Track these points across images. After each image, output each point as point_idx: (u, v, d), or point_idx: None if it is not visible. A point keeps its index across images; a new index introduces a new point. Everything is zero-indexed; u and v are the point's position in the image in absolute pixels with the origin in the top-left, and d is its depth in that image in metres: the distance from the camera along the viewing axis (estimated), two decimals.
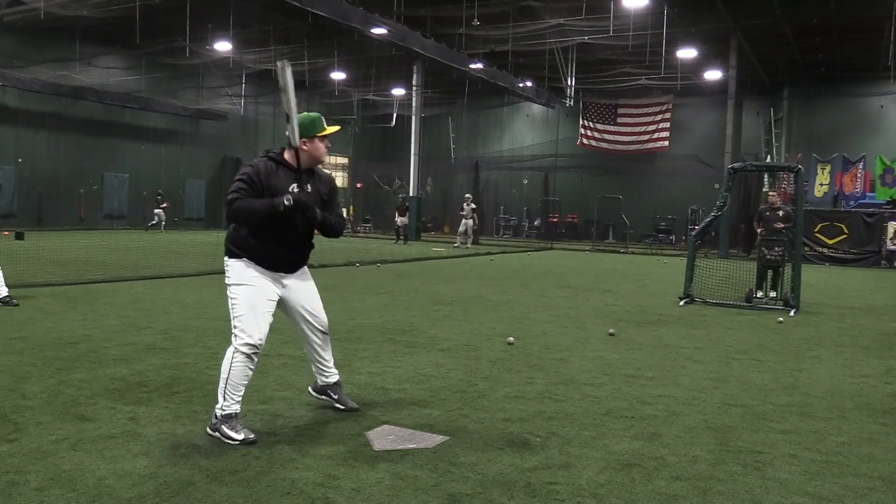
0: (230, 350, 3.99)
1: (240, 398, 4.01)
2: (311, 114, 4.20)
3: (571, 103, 30.90)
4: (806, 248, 19.90)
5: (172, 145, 31.57)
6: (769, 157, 28.68)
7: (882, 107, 28.41)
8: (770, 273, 11.44)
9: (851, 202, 24.15)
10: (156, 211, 28.40)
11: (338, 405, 4.53)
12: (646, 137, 32.15)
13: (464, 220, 25.62)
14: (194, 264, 14.06)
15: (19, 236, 20.10)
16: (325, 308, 4.45)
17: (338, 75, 30.18)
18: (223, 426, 3.91)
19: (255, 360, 4.03)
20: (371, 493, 3.26)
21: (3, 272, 8.42)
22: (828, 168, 24.71)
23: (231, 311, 4.04)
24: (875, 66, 24.71)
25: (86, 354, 5.91)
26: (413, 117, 30.53)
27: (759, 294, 11.24)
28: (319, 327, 4.37)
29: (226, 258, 4.11)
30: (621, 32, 21.38)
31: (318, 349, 4.44)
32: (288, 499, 3.18)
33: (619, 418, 4.60)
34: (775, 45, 25.49)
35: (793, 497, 3.40)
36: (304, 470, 3.52)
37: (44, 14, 20.19)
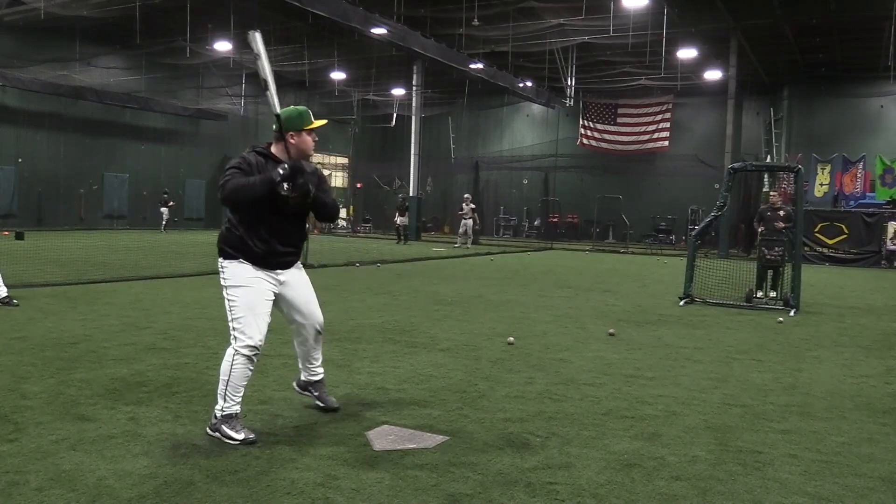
0: (230, 351, 3.99)
1: (240, 399, 4.01)
2: (299, 107, 4.19)
3: (571, 103, 30.92)
4: (806, 248, 19.91)
5: (172, 145, 31.58)
6: (769, 157, 28.68)
7: (882, 107, 28.41)
8: (770, 273, 11.45)
9: (851, 202, 24.15)
10: (162, 209, 28.44)
11: (318, 402, 4.53)
12: (646, 137, 32.15)
13: (463, 221, 25.62)
14: (194, 264, 14.06)
15: (19, 236, 20.10)
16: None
17: (338, 75, 30.18)
18: (223, 426, 3.91)
19: (255, 361, 4.03)
20: (371, 493, 3.26)
21: (2, 272, 8.42)
22: (828, 168, 24.71)
23: (229, 312, 4.03)
24: (875, 66, 24.72)
25: (86, 354, 5.91)
26: (413, 117, 30.54)
27: (759, 294, 11.24)
28: (314, 325, 4.36)
29: (220, 260, 4.09)
30: (621, 32, 21.39)
31: (310, 347, 4.43)
32: (288, 499, 3.18)
33: (619, 418, 4.60)
34: (775, 45, 25.50)
35: (793, 497, 3.40)
36: (304, 470, 3.52)
37: (44, 14, 20.20)
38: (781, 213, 11.59)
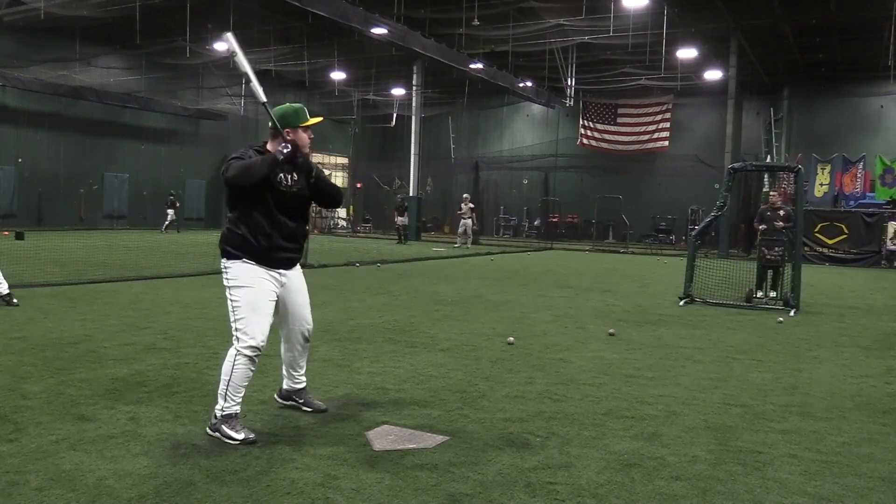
0: (232, 352, 3.99)
1: (240, 399, 4.01)
2: (294, 104, 4.25)
3: (571, 103, 30.91)
4: (806, 248, 19.90)
5: (172, 145, 31.59)
6: (769, 157, 28.68)
7: (882, 107, 28.41)
8: (770, 273, 11.45)
9: (851, 202, 24.15)
10: (168, 210, 28.46)
11: (305, 408, 4.48)
12: (646, 137, 32.15)
13: (462, 221, 25.63)
14: (194, 264, 14.06)
15: (19, 236, 20.10)
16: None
17: (338, 75, 30.17)
18: (223, 426, 3.91)
19: (257, 361, 4.03)
20: (371, 493, 3.26)
21: (2, 272, 8.42)
22: (828, 168, 24.71)
23: (232, 313, 4.03)
24: (875, 66, 24.71)
25: (86, 354, 5.91)
26: (413, 117, 30.53)
27: (759, 294, 11.24)
28: (305, 332, 4.37)
29: (223, 260, 4.09)
30: (621, 32, 21.38)
31: (297, 354, 4.42)
32: (288, 499, 3.18)
33: (619, 418, 4.60)
34: (775, 45, 25.50)
35: (793, 497, 3.40)
36: (304, 470, 3.51)
37: (44, 14, 20.19)
38: (781, 212, 11.59)
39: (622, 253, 25.43)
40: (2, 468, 3.40)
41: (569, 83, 28.52)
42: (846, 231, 21.61)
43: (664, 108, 31.73)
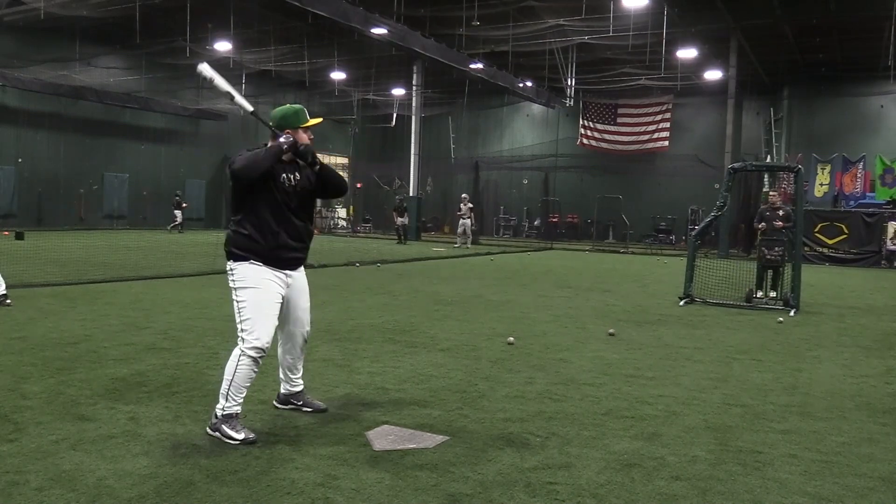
0: (236, 352, 3.99)
1: (242, 399, 4.01)
2: (295, 105, 4.32)
3: (571, 103, 30.89)
4: (806, 248, 19.90)
5: (172, 145, 31.57)
6: (769, 157, 28.67)
7: (882, 107, 28.40)
8: (770, 273, 11.45)
9: (851, 202, 24.15)
10: (175, 211, 28.47)
11: (305, 409, 4.48)
12: (646, 137, 32.15)
13: (461, 221, 25.63)
14: (194, 264, 14.06)
15: (19, 236, 20.10)
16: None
17: (338, 75, 30.17)
18: (224, 426, 3.91)
19: (261, 363, 4.03)
20: (371, 493, 3.26)
21: (2, 272, 8.42)
22: (828, 168, 24.70)
23: (238, 314, 4.03)
24: (875, 66, 24.70)
25: (86, 354, 5.91)
26: (413, 117, 30.53)
27: (759, 294, 11.24)
28: (305, 334, 4.39)
29: (230, 262, 4.10)
30: (621, 32, 21.37)
31: (296, 356, 4.43)
32: (288, 499, 3.18)
33: (619, 418, 4.60)
34: (775, 45, 25.49)
35: (793, 497, 3.40)
36: (304, 470, 3.52)
37: (44, 14, 20.18)
38: (780, 212, 11.59)
39: (622, 253, 25.43)
40: (2, 468, 3.40)
41: (569, 83, 28.50)
42: (846, 231, 21.61)
43: (664, 108, 31.72)
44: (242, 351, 3.97)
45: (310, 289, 4.43)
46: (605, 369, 6.05)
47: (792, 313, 9.97)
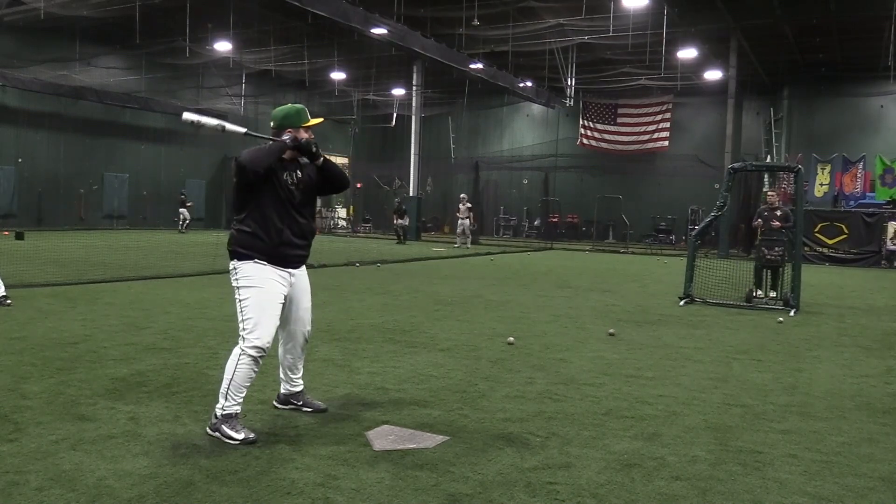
0: (236, 351, 4.00)
1: (241, 399, 4.01)
2: (296, 105, 4.35)
3: (571, 103, 30.90)
4: (806, 248, 19.90)
5: (172, 145, 31.56)
6: (769, 157, 28.68)
7: (882, 107, 28.41)
8: (769, 273, 11.45)
9: (851, 202, 24.15)
10: (180, 210, 28.46)
11: (305, 409, 4.48)
12: (646, 137, 32.15)
13: (461, 221, 25.63)
14: (194, 264, 14.06)
15: (19, 236, 20.10)
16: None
17: (338, 75, 30.17)
18: (223, 426, 3.91)
19: (261, 362, 4.03)
20: (371, 493, 3.26)
21: (2, 272, 8.43)
22: (828, 168, 24.71)
23: (240, 313, 4.04)
24: (875, 66, 24.71)
25: (86, 354, 5.91)
26: (413, 117, 30.53)
27: (759, 293, 11.24)
28: (306, 333, 4.40)
29: (233, 261, 4.10)
30: (621, 32, 21.38)
31: (296, 356, 4.43)
32: (288, 499, 3.18)
33: (619, 418, 4.60)
34: (775, 45, 25.49)
35: (793, 497, 3.40)
36: (304, 470, 3.52)
37: (44, 14, 20.19)
38: (779, 212, 11.59)
39: (622, 253, 25.43)
40: (2, 468, 3.40)
41: (569, 83, 28.51)
42: (846, 231, 21.61)
43: (664, 108, 31.73)
44: (243, 350, 3.97)
45: (311, 289, 4.43)
46: (605, 369, 6.05)
47: (792, 313, 9.97)
